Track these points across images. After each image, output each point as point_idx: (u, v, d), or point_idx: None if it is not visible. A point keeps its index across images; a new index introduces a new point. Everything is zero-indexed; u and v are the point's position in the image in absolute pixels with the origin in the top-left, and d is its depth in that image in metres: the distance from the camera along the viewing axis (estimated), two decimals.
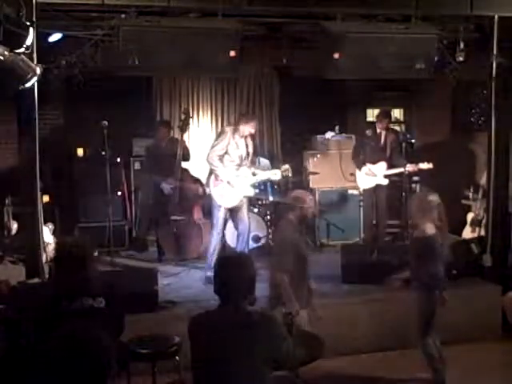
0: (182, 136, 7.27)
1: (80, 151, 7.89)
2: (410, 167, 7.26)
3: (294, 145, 8.71)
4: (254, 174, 6.66)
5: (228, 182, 6.43)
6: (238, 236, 6.70)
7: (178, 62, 5.64)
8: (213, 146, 6.49)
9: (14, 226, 7.39)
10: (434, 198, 4.66)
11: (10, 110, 6.74)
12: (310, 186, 8.29)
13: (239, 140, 6.47)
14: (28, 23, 4.24)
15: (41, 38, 5.18)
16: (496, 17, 5.98)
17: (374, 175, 7.40)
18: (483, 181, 7.06)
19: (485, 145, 6.54)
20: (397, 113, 9.42)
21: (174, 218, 7.17)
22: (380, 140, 7.54)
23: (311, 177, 8.26)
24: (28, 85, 4.53)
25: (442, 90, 8.36)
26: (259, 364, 2.87)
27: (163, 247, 7.32)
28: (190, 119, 7.34)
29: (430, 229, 4.57)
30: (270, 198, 7.81)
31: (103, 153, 6.35)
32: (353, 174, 7.80)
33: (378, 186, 7.46)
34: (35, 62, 4.68)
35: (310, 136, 8.55)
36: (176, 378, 4.20)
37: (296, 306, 4.32)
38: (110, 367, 3.25)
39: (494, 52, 6.05)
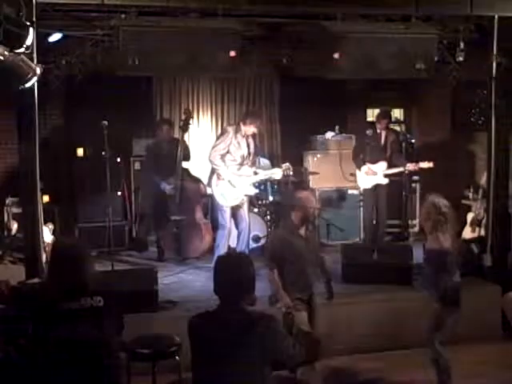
0: (182, 136, 7.27)
1: (80, 151, 7.89)
2: (410, 166, 7.27)
3: (294, 145, 8.71)
4: (255, 173, 6.71)
5: (229, 181, 6.49)
6: (238, 235, 6.74)
7: (177, 62, 5.65)
8: (214, 146, 6.54)
9: (14, 226, 7.40)
10: (445, 204, 4.53)
11: (9, 110, 6.78)
12: (310, 185, 8.29)
13: (241, 139, 6.51)
14: (28, 23, 4.24)
15: (41, 38, 5.18)
16: (496, 17, 5.99)
17: (374, 174, 7.39)
18: (483, 181, 7.06)
19: (485, 145, 6.54)
20: (397, 113, 9.42)
21: (174, 217, 7.17)
22: (380, 140, 7.54)
23: (311, 177, 8.26)
24: (28, 85, 4.53)
25: (441, 90, 8.36)
26: (259, 364, 2.87)
27: (163, 247, 7.31)
28: (191, 119, 7.33)
29: (446, 240, 4.45)
30: (270, 198, 7.82)
31: (103, 153, 6.35)
32: (353, 174, 7.81)
33: (378, 186, 7.46)
34: (35, 62, 4.68)
35: (310, 136, 8.56)
36: (176, 378, 4.19)
37: (287, 301, 4.33)
38: (111, 365, 3.27)
39: (494, 52, 6.05)
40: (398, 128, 8.86)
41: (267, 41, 6.86)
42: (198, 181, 7.43)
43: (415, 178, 8.36)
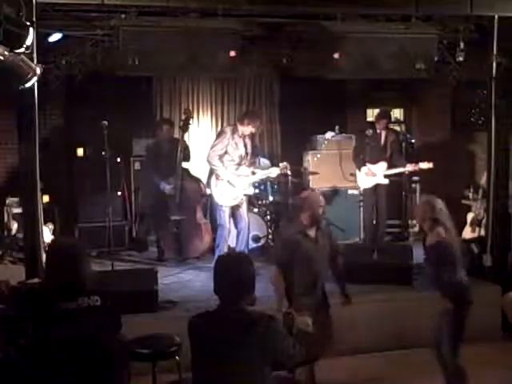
0: (182, 136, 7.27)
1: (80, 151, 7.90)
2: (410, 167, 7.27)
3: (293, 145, 8.71)
4: (253, 173, 6.75)
5: (228, 182, 6.53)
6: (237, 234, 6.75)
7: (178, 62, 5.65)
8: (213, 146, 6.59)
9: (14, 226, 7.40)
10: (440, 203, 4.48)
11: (9, 110, 6.78)
12: (310, 185, 8.29)
13: (238, 140, 6.56)
14: (28, 23, 4.24)
15: (41, 38, 5.18)
16: (496, 17, 5.99)
17: (373, 175, 7.40)
18: (483, 181, 7.06)
19: (485, 145, 6.54)
20: (397, 113, 9.42)
21: (174, 217, 7.17)
22: (380, 140, 7.54)
23: (311, 177, 8.27)
24: (28, 85, 4.53)
25: (441, 90, 8.36)
26: (259, 364, 2.87)
27: (163, 247, 7.31)
28: (191, 119, 7.34)
29: (447, 234, 4.38)
30: (270, 198, 7.82)
31: (103, 153, 6.35)
32: (353, 174, 7.81)
33: (378, 186, 7.46)
34: (35, 62, 4.68)
35: (310, 136, 8.56)
36: (176, 378, 4.19)
37: (283, 303, 4.33)
38: (114, 365, 3.27)
39: (494, 52, 6.05)
40: (397, 128, 8.86)
41: (267, 41, 6.86)
42: (197, 181, 7.44)
43: (415, 178, 8.36)
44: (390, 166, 7.42)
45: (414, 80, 7.14)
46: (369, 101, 9.06)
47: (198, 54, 5.57)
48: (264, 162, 7.96)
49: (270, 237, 7.79)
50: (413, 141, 8.68)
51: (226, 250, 6.55)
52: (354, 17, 5.97)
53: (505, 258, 6.30)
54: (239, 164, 6.60)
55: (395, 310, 5.68)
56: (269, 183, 7.76)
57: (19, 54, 4.22)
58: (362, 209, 7.80)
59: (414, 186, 8.46)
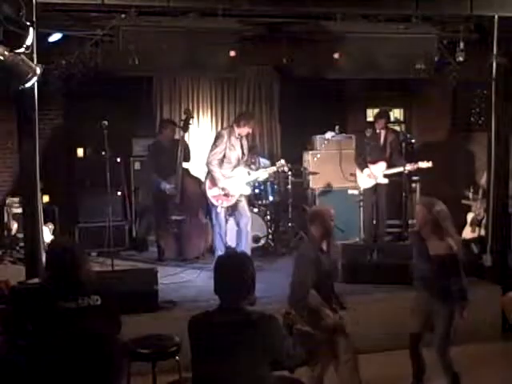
0: (183, 136, 7.28)
1: (80, 151, 7.90)
2: (409, 166, 7.27)
3: (293, 145, 8.71)
4: (249, 174, 6.86)
5: (223, 189, 6.60)
6: (239, 231, 6.78)
7: (177, 62, 5.65)
8: (212, 150, 6.67)
9: (14, 226, 7.40)
10: (440, 204, 4.49)
11: (9, 109, 6.77)
12: (310, 185, 8.30)
13: (235, 141, 6.65)
14: (28, 23, 4.24)
15: (41, 38, 5.18)
16: (496, 17, 5.98)
17: (375, 178, 7.42)
18: (483, 181, 7.06)
19: (485, 145, 6.53)
20: (397, 113, 9.42)
21: (174, 217, 7.18)
22: (379, 140, 7.55)
23: (311, 177, 8.27)
24: (28, 85, 4.53)
25: (441, 90, 8.35)
26: (259, 364, 2.87)
27: (163, 247, 7.31)
28: (191, 119, 7.34)
29: (450, 242, 4.41)
30: (270, 198, 7.83)
31: (103, 153, 6.36)
32: (353, 174, 7.82)
33: (378, 186, 7.47)
34: (35, 62, 4.68)
35: (310, 136, 8.56)
36: (176, 378, 4.19)
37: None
38: (114, 365, 3.26)
39: (494, 52, 6.05)
40: (397, 128, 8.87)
41: (267, 41, 6.86)
42: (198, 181, 7.43)
43: (415, 178, 8.37)
44: (389, 166, 7.42)
45: (414, 80, 7.14)
46: (369, 101, 9.06)
47: (197, 54, 5.57)
48: (264, 162, 7.97)
49: (270, 237, 7.80)
50: (412, 141, 8.68)
51: (223, 249, 6.57)
52: (354, 17, 5.97)
53: (505, 258, 6.30)
54: (236, 166, 6.69)
55: (395, 309, 5.67)
56: (269, 183, 7.76)
57: (19, 53, 4.23)
58: (361, 209, 7.80)
59: (413, 185, 8.46)
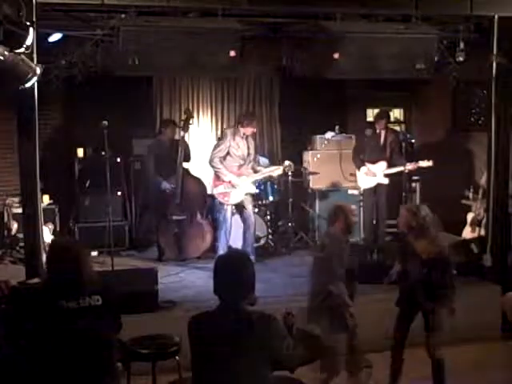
0: (183, 136, 7.29)
1: (80, 151, 7.90)
2: (409, 165, 7.28)
3: (293, 145, 8.71)
4: (255, 172, 6.94)
5: (229, 182, 6.67)
6: (244, 231, 6.86)
7: (178, 62, 5.64)
8: (214, 149, 6.82)
9: (14, 226, 7.40)
10: (425, 209, 4.56)
11: (9, 109, 6.77)
12: (310, 185, 8.30)
13: (240, 141, 6.74)
14: (28, 23, 4.24)
15: (41, 38, 5.18)
16: (496, 17, 5.98)
17: (373, 175, 7.41)
18: (483, 181, 7.06)
19: (485, 145, 6.53)
20: (397, 113, 9.42)
21: (174, 217, 7.18)
22: (379, 140, 7.55)
23: (311, 177, 8.27)
24: (28, 85, 4.53)
25: (441, 90, 8.35)
26: (259, 364, 2.87)
27: (163, 247, 7.32)
28: (191, 119, 7.35)
29: (439, 244, 4.50)
30: (270, 198, 7.83)
31: (103, 153, 6.36)
32: (353, 174, 7.82)
33: (378, 186, 7.47)
34: (35, 62, 4.68)
35: (310, 136, 8.56)
36: (176, 377, 4.19)
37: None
38: (113, 364, 3.27)
39: (494, 52, 6.05)
40: (397, 128, 8.87)
41: (267, 41, 6.87)
42: (198, 181, 7.44)
43: (415, 177, 8.36)
44: (389, 166, 7.42)
45: (414, 80, 7.14)
46: (369, 101, 9.06)
47: (197, 54, 5.57)
48: (263, 160, 7.97)
49: (270, 237, 7.80)
50: (412, 141, 8.69)
51: (226, 248, 6.59)
52: (353, 17, 5.97)
53: (505, 258, 6.30)
54: (241, 164, 6.78)
55: (395, 310, 5.67)
56: (269, 183, 7.76)
57: (19, 53, 4.22)
58: (361, 209, 7.80)
59: (413, 185, 8.46)
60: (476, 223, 7.54)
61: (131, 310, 4.68)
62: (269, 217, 7.81)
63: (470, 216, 7.69)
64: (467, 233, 7.60)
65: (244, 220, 6.86)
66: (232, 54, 5.60)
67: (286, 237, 7.87)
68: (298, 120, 8.56)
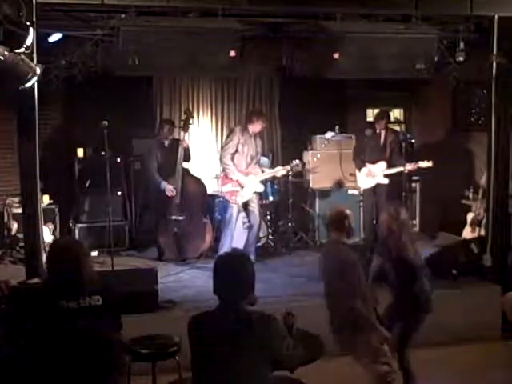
0: (183, 136, 7.29)
1: (80, 151, 7.89)
2: (409, 166, 7.28)
3: (294, 145, 8.71)
4: (263, 171, 7.03)
5: (238, 180, 6.77)
6: (249, 229, 6.93)
7: (178, 62, 5.64)
8: (224, 145, 6.92)
9: (14, 226, 7.40)
10: (404, 213, 4.56)
11: (9, 109, 6.77)
12: (310, 185, 8.30)
13: (248, 139, 6.82)
14: (28, 23, 4.24)
15: (41, 38, 5.18)
16: (496, 17, 5.98)
17: (373, 176, 7.42)
18: (483, 181, 7.06)
19: (485, 145, 6.53)
20: (397, 113, 9.42)
21: (174, 217, 7.18)
22: (380, 140, 7.55)
23: (311, 177, 8.27)
24: (28, 85, 4.53)
25: (441, 90, 8.35)
26: (259, 364, 2.87)
27: (163, 247, 7.31)
28: (191, 119, 7.35)
29: (412, 247, 4.47)
30: (270, 198, 7.83)
31: (103, 153, 6.36)
32: (353, 174, 7.81)
33: (378, 186, 7.46)
34: (35, 62, 4.68)
35: (310, 136, 8.56)
36: (176, 377, 4.19)
37: (384, 332, 4.14)
38: (117, 362, 3.27)
39: (494, 52, 6.05)
40: (397, 128, 8.86)
41: (267, 41, 6.87)
42: (198, 181, 7.45)
43: (415, 177, 8.36)
44: (389, 166, 7.42)
45: (414, 80, 7.14)
46: (369, 101, 9.06)
47: (197, 54, 5.57)
48: (263, 160, 7.97)
49: (270, 237, 7.80)
50: (412, 141, 8.68)
51: (230, 248, 6.59)
52: (353, 17, 5.97)
53: (505, 258, 6.29)
54: (249, 163, 6.86)
55: None
56: (269, 183, 7.77)
57: (19, 53, 4.23)
58: (361, 209, 7.80)
59: (413, 185, 8.46)
60: (476, 223, 7.54)
61: (131, 309, 4.67)
62: (269, 217, 7.82)
63: (469, 216, 7.69)
64: (467, 233, 7.60)
65: (250, 219, 6.92)
66: (232, 53, 5.60)
67: (285, 237, 7.87)
68: (297, 120, 8.56)
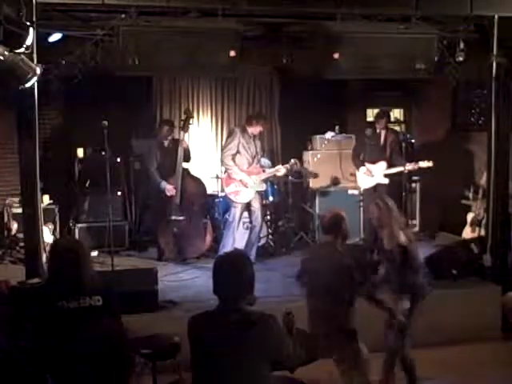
0: (183, 136, 7.29)
1: (80, 151, 7.89)
2: (410, 166, 7.28)
3: (294, 145, 8.71)
4: (264, 171, 7.07)
5: (240, 181, 6.80)
6: (250, 229, 6.98)
7: (178, 62, 5.65)
8: (225, 147, 6.92)
9: (14, 226, 7.39)
10: (391, 202, 4.56)
11: (9, 110, 6.77)
12: (310, 185, 8.30)
13: (248, 140, 6.86)
14: (28, 23, 4.25)
15: (41, 38, 5.18)
16: (496, 17, 5.98)
17: (371, 175, 7.42)
18: (483, 181, 7.06)
19: (485, 145, 6.54)
20: (397, 113, 9.41)
21: (174, 217, 7.17)
22: (380, 140, 7.55)
23: (311, 177, 8.27)
24: (28, 85, 4.53)
25: (441, 90, 8.35)
26: (259, 364, 2.87)
27: (163, 247, 7.31)
28: (191, 119, 7.35)
29: (403, 236, 4.45)
30: (270, 198, 7.83)
31: (103, 153, 6.36)
32: (353, 174, 7.82)
33: (378, 186, 7.46)
34: (35, 62, 4.68)
35: (310, 136, 8.56)
36: (176, 377, 4.19)
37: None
38: (113, 364, 3.27)
39: (494, 52, 6.05)
40: (397, 128, 8.86)
41: (267, 41, 6.87)
42: (198, 181, 7.44)
43: (415, 177, 8.36)
44: (389, 166, 7.42)
45: (414, 80, 7.14)
46: (369, 101, 9.05)
47: (198, 54, 5.57)
48: (264, 161, 7.98)
49: (270, 237, 7.80)
50: (412, 141, 8.68)
51: (232, 248, 6.59)
52: (353, 17, 5.97)
53: (505, 258, 6.29)
54: (250, 163, 6.89)
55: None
56: (269, 183, 7.77)
57: (19, 53, 4.23)
58: (361, 209, 7.80)
59: (413, 185, 8.46)
60: (476, 223, 7.54)
61: (131, 309, 4.68)
62: (269, 217, 7.81)
63: (469, 216, 7.69)
64: (467, 233, 7.60)
65: (252, 219, 6.96)
66: (232, 53, 5.60)
67: (286, 237, 7.87)
68: (297, 120, 8.55)
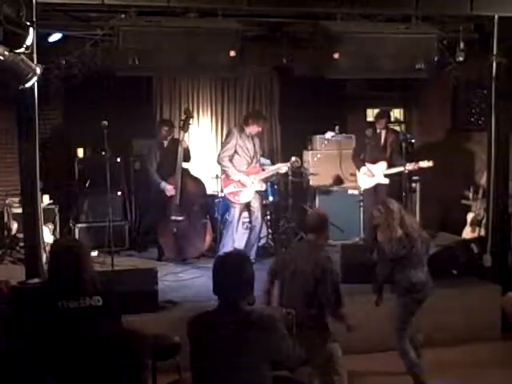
0: (183, 136, 7.29)
1: (80, 151, 7.90)
2: (409, 166, 7.28)
3: (294, 145, 8.71)
4: (263, 169, 7.07)
5: (239, 181, 6.78)
6: (250, 229, 6.97)
7: (177, 62, 5.64)
8: (222, 148, 6.92)
9: (14, 225, 7.40)
10: (395, 205, 4.62)
11: (9, 110, 6.77)
12: (310, 183, 8.31)
13: (246, 139, 6.82)
14: (28, 23, 4.25)
15: (41, 38, 5.18)
16: (496, 17, 5.98)
17: (371, 176, 7.42)
18: (483, 181, 7.06)
19: (485, 145, 6.54)
20: (397, 113, 9.41)
21: (174, 217, 7.17)
22: (380, 140, 7.56)
23: (311, 177, 8.27)
24: (28, 85, 4.53)
25: (441, 90, 8.36)
26: (259, 364, 2.88)
27: (163, 247, 7.31)
28: (191, 119, 7.35)
29: (399, 233, 4.53)
30: (270, 198, 7.83)
31: (103, 153, 6.36)
32: (353, 174, 7.82)
33: (378, 186, 7.47)
34: (35, 62, 4.68)
35: (310, 136, 8.56)
36: (176, 377, 4.19)
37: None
38: (113, 364, 3.27)
39: (494, 52, 6.05)
40: (397, 128, 8.86)
41: (267, 41, 6.86)
42: (198, 181, 7.44)
43: (415, 177, 8.36)
44: (389, 166, 7.43)
45: (413, 80, 7.14)
46: (369, 101, 9.06)
47: (197, 54, 5.57)
48: (264, 161, 7.98)
49: (270, 237, 7.80)
50: (413, 141, 8.68)
51: (232, 249, 6.59)
52: (353, 17, 5.97)
53: (505, 258, 6.30)
54: (249, 163, 6.86)
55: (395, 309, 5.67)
56: (269, 183, 7.77)
57: (19, 53, 4.23)
58: (361, 209, 7.80)
59: (413, 185, 8.46)
60: (476, 223, 7.54)
61: (131, 309, 4.68)
62: (269, 217, 7.81)
63: (469, 216, 7.69)
64: (467, 233, 7.60)
65: (250, 220, 6.95)
66: (232, 53, 5.60)
67: (286, 237, 7.87)
68: (297, 120, 8.56)
